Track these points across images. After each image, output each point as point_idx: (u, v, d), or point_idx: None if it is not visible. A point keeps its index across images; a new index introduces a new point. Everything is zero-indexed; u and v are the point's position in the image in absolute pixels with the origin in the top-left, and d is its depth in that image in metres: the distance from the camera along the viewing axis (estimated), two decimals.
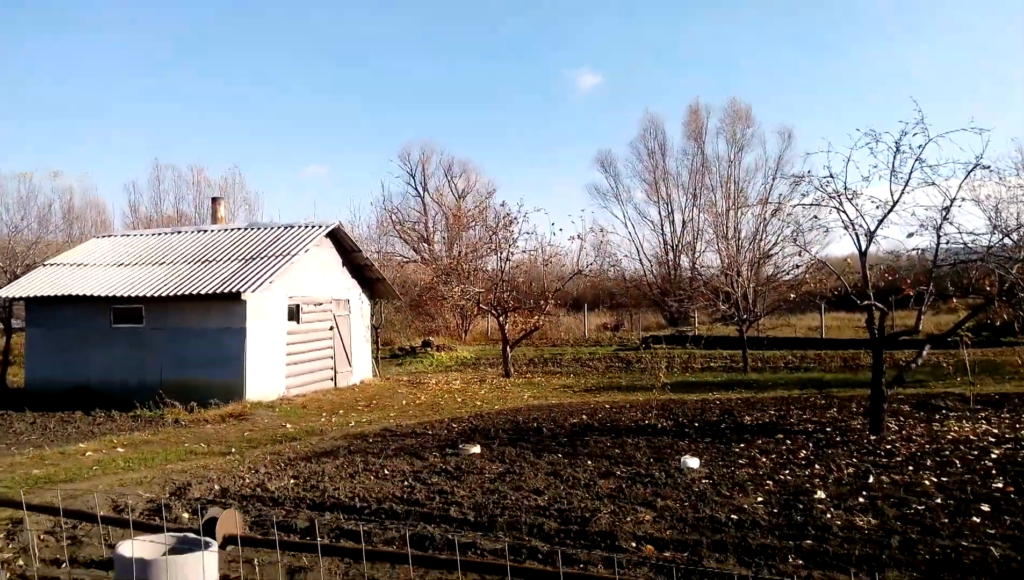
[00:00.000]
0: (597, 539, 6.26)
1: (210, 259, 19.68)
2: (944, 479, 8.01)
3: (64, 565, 5.85)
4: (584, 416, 14.10)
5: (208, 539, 2.60)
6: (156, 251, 21.14)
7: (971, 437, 10.41)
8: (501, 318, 24.48)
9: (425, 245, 46.96)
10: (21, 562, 6.04)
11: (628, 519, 6.79)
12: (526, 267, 26.90)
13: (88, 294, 18.29)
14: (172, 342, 18.06)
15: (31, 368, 19.60)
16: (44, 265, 21.63)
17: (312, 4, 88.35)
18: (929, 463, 8.86)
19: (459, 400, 18.17)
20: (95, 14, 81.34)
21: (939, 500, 7.16)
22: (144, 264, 20.19)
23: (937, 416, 12.46)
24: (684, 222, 45.85)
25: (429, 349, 30.33)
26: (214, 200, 26.93)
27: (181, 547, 2.69)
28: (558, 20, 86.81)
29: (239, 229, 22.34)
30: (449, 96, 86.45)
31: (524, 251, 25.87)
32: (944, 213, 10.71)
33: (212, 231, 22.55)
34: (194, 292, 17.48)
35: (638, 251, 46.49)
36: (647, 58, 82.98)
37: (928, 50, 74.18)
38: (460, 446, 10.80)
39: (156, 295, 17.73)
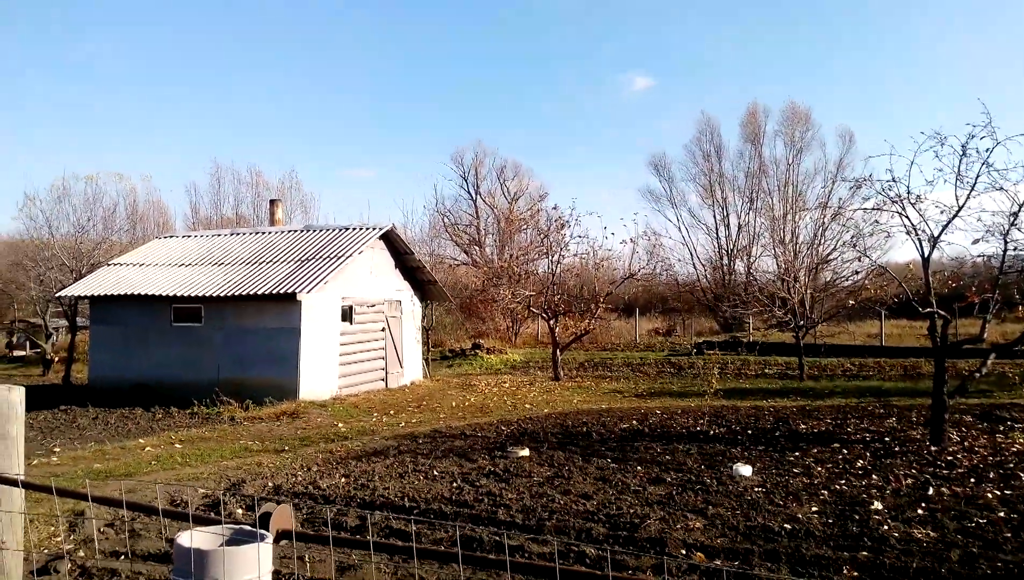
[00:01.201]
0: (646, 545, 6.20)
1: (267, 260, 20.08)
2: (1008, 492, 7.74)
3: (123, 558, 6.03)
4: (634, 421, 13.98)
5: (263, 532, 2.65)
6: (215, 252, 21.65)
7: None
8: (551, 321, 24.45)
9: (476, 248, 47.20)
10: (82, 553, 6.23)
11: (678, 526, 6.71)
12: (577, 270, 26.83)
13: (149, 293, 18.81)
14: (229, 341, 18.47)
15: (94, 365, 20.24)
16: (108, 265, 22.32)
17: (363, 9, 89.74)
18: (992, 476, 8.58)
19: (508, 403, 18.20)
20: (153, 17, 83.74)
21: (1002, 514, 6.92)
22: (204, 265, 20.69)
23: (1001, 427, 12.05)
24: (740, 226, 45.24)
25: (479, 351, 30.45)
26: (272, 202, 27.48)
27: (237, 539, 2.75)
28: (610, 23, 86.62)
29: (295, 231, 22.75)
30: (502, 99, 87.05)
31: (575, 254, 25.81)
32: (1012, 219, 10.34)
33: (269, 233, 23.00)
34: (251, 292, 17.86)
35: (691, 255, 46.02)
36: (700, 61, 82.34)
37: (997, 51, 71.98)
38: (509, 449, 10.80)
39: (214, 295, 18.15)
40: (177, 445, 12.63)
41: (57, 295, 22.19)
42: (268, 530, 2.70)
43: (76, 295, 20.79)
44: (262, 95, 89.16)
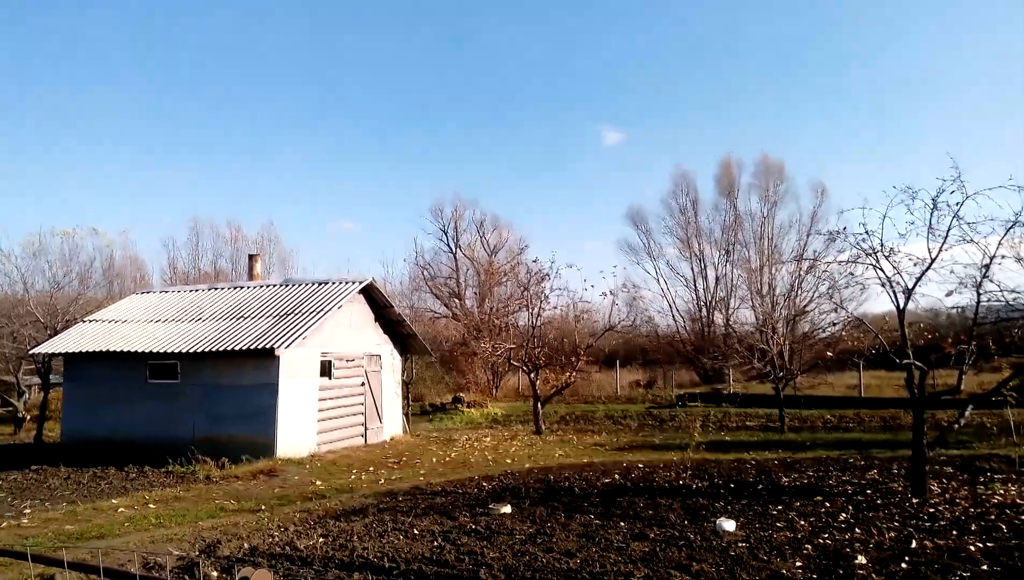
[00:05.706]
0: None
1: (245, 315, 19.93)
2: (990, 544, 7.72)
3: None
4: (617, 475, 13.87)
5: None
6: (192, 307, 21.48)
7: (1018, 500, 10.03)
8: (532, 374, 24.37)
9: (457, 301, 47.13)
10: None
11: None
12: (557, 323, 26.86)
13: (125, 350, 18.57)
14: (205, 398, 18.21)
15: (67, 422, 19.83)
16: (83, 321, 22.05)
17: (343, 64, 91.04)
18: (974, 527, 8.56)
19: (489, 458, 18.00)
20: (134, 72, 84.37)
21: (984, 566, 6.89)
22: (180, 320, 20.50)
23: (982, 479, 12.06)
24: (717, 278, 45.57)
25: (460, 405, 30.22)
26: (251, 257, 27.36)
27: None
28: (583, 78, 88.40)
29: (274, 286, 22.66)
30: (480, 152, 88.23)
31: (555, 307, 25.84)
32: (984, 271, 10.52)
33: (248, 287, 22.87)
34: (228, 348, 17.67)
35: (671, 307, 46.18)
36: (671, 114, 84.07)
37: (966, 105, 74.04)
38: (490, 506, 10.66)
39: (191, 351, 17.95)
40: (151, 505, 12.35)
41: (31, 352, 21.82)
42: None
43: (50, 352, 20.46)
44: (242, 148, 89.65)
